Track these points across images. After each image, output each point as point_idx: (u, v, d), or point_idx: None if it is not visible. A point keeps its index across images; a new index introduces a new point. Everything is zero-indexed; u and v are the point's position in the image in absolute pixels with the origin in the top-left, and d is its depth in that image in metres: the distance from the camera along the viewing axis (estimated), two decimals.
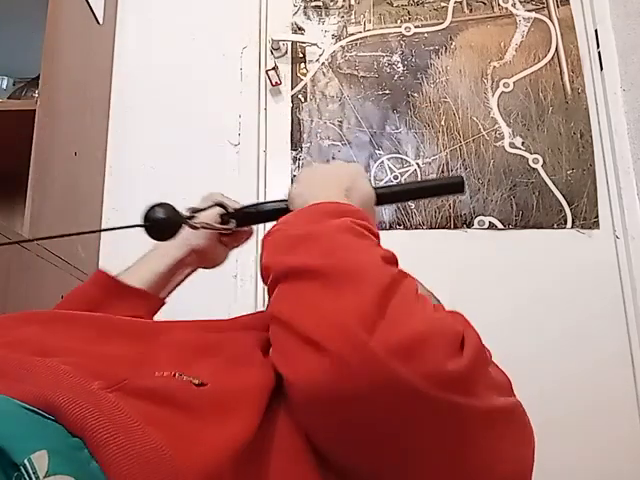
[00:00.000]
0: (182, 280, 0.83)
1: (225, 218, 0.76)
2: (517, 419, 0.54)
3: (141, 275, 0.78)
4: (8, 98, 1.64)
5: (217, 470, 0.38)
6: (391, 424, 0.45)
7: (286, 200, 0.71)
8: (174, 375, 0.45)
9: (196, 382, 0.44)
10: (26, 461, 0.31)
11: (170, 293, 0.83)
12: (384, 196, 0.73)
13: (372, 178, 1.69)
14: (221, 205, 0.75)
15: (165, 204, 0.61)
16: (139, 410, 0.38)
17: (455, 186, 0.77)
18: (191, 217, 0.67)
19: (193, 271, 0.84)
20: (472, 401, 0.46)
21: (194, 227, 0.67)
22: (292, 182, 1.67)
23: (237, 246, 0.84)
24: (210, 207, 0.73)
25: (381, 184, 1.68)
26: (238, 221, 0.76)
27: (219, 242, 0.81)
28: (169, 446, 0.36)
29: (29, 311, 0.57)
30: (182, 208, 0.66)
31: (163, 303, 0.81)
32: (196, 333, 0.57)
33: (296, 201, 0.67)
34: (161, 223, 0.60)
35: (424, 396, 0.43)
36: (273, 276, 0.53)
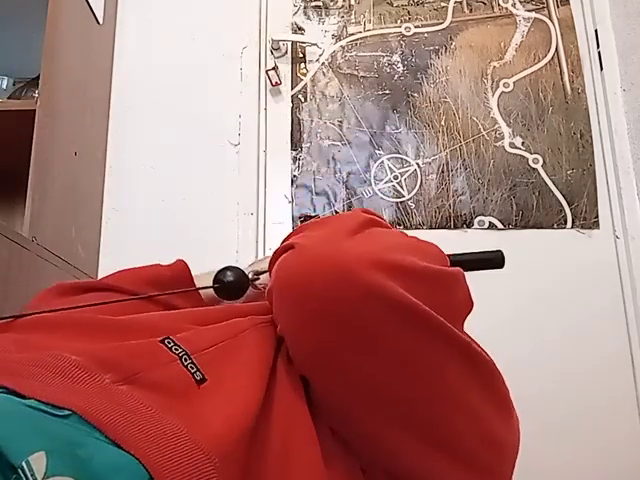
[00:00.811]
0: None
1: None
2: (495, 377, 0.53)
3: (204, 284, 0.81)
4: (8, 98, 1.64)
5: (230, 445, 0.40)
6: (348, 318, 0.47)
7: None
8: (181, 356, 0.47)
9: (198, 377, 0.45)
10: (24, 463, 0.31)
11: None
12: None
13: (372, 178, 1.69)
14: None
15: (234, 268, 0.70)
16: (152, 400, 0.40)
17: (495, 261, 0.84)
18: (255, 279, 0.75)
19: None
20: (444, 322, 0.47)
21: (257, 288, 0.75)
22: (292, 183, 1.68)
23: None
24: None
25: (382, 183, 1.68)
26: None
27: None
28: (184, 426, 0.38)
29: (23, 319, 0.57)
30: (246, 269, 0.74)
31: None
32: (193, 323, 0.58)
33: None
34: (230, 285, 0.69)
35: (387, 295, 0.45)
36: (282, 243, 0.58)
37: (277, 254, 0.53)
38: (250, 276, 0.73)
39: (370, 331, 0.47)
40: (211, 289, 0.80)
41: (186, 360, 0.46)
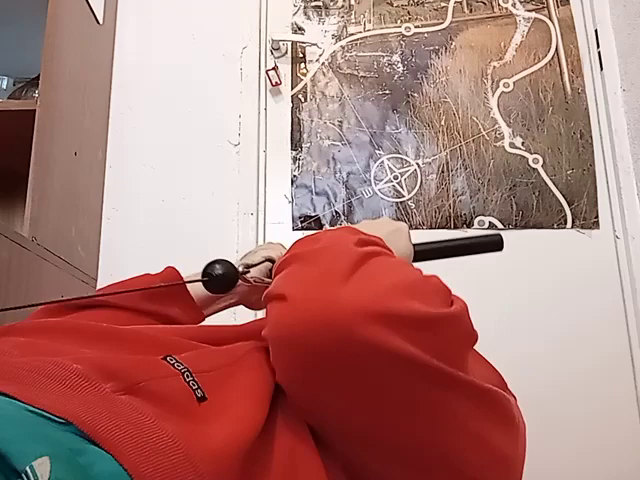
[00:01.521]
0: (224, 307, 0.86)
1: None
2: (500, 402, 0.53)
3: (196, 287, 0.80)
4: (8, 98, 1.64)
5: (227, 461, 0.39)
6: (348, 372, 0.46)
7: None
8: (183, 372, 0.46)
9: (199, 395, 0.45)
10: (27, 468, 0.30)
11: (211, 314, 0.85)
12: (422, 253, 0.76)
13: (372, 178, 1.69)
14: (270, 260, 0.79)
15: (223, 261, 0.67)
16: (151, 410, 0.40)
17: (494, 244, 0.81)
18: (245, 272, 0.73)
19: (235, 304, 0.86)
20: (445, 369, 0.46)
21: (248, 282, 0.73)
22: (292, 183, 1.68)
23: None
24: (261, 262, 0.78)
25: (382, 183, 1.68)
26: None
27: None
28: (182, 440, 0.38)
29: (23, 322, 0.57)
30: (237, 262, 0.72)
31: (203, 319, 0.84)
32: (198, 341, 0.58)
33: None
34: (219, 279, 0.66)
35: (387, 349, 0.44)
36: (274, 272, 0.56)
37: (268, 297, 0.52)
38: (240, 269, 0.71)
39: (370, 383, 0.46)
40: (201, 285, 0.80)
41: (188, 377, 0.46)
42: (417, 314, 0.46)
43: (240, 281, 0.70)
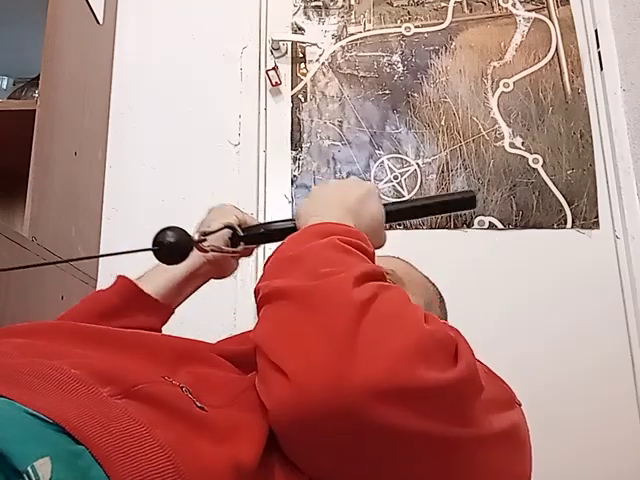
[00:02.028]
0: (193, 291, 0.84)
1: (234, 240, 0.75)
2: (514, 439, 0.54)
3: (156, 284, 0.78)
4: (8, 98, 1.64)
5: (217, 477, 0.39)
6: (356, 450, 0.45)
7: (293, 219, 0.70)
8: (181, 387, 0.46)
9: (198, 404, 0.44)
10: (29, 468, 0.30)
11: (180, 303, 0.83)
12: (394, 213, 0.72)
13: (372, 178, 1.69)
14: (230, 227, 0.74)
15: (176, 228, 0.60)
16: (148, 416, 0.39)
17: (467, 201, 0.75)
18: (201, 240, 0.67)
19: (205, 282, 0.84)
20: (465, 429, 0.46)
21: (204, 250, 0.67)
22: (292, 183, 1.67)
23: (248, 255, 0.82)
24: (219, 229, 0.73)
25: (382, 183, 1.68)
26: (246, 242, 0.75)
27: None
28: (174, 450, 0.37)
29: (24, 324, 0.57)
30: (192, 231, 0.66)
31: (173, 313, 0.82)
32: (195, 356, 0.58)
33: (300, 220, 0.67)
34: (170, 247, 0.59)
35: (397, 428, 0.43)
36: (259, 298, 0.54)
37: (260, 348, 0.49)
38: (196, 237, 0.65)
39: (379, 458, 0.45)
40: (165, 280, 0.77)
41: (186, 391, 0.46)
42: (426, 385, 0.43)
43: (196, 250, 0.64)
